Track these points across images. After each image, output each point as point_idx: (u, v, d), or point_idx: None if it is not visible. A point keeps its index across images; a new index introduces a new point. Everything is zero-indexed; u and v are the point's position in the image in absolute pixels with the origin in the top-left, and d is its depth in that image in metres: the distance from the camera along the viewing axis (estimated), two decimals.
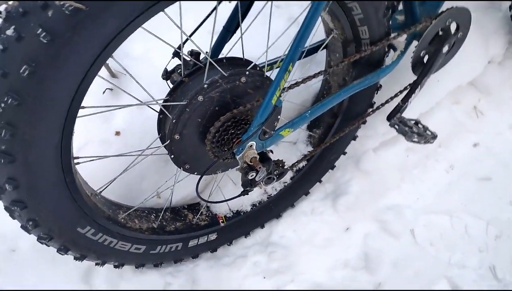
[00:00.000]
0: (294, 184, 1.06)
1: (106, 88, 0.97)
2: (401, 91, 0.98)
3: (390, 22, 0.92)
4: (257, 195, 1.05)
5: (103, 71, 1.01)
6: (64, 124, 0.59)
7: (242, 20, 0.81)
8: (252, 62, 0.78)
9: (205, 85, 0.71)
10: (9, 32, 0.50)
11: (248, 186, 0.79)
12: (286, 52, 0.68)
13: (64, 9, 0.48)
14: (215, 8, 0.75)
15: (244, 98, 0.76)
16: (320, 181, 1.11)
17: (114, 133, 0.97)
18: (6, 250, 0.94)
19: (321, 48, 0.91)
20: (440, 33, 0.91)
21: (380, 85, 0.98)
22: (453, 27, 0.92)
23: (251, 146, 0.76)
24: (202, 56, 0.79)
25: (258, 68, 0.78)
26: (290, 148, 1.08)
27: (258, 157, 0.76)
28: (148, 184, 0.96)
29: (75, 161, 0.69)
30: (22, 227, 0.70)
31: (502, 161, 1.20)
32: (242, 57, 0.78)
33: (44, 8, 0.48)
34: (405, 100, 0.94)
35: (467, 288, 1.01)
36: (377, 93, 0.99)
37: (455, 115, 1.25)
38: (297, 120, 0.81)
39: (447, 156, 1.21)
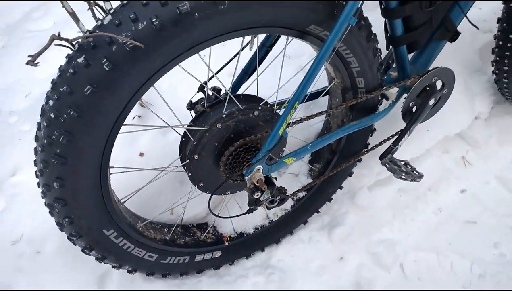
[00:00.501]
0: (294, 212, 1.17)
1: (136, 115, 1.11)
2: (393, 136, 1.11)
3: (385, 77, 1.07)
4: (260, 219, 1.15)
5: None
6: (108, 136, 0.72)
7: (259, 65, 0.96)
8: (264, 99, 0.92)
9: (224, 115, 0.85)
10: (80, 60, 0.64)
11: (253, 204, 0.91)
12: (294, 93, 0.83)
13: (126, 46, 0.63)
14: (238, 53, 0.90)
15: (255, 129, 0.89)
16: (318, 212, 1.21)
17: (139, 154, 1.10)
18: (32, 252, 1.05)
19: (323, 93, 1.06)
20: (427, 88, 1.05)
21: (375, 129, 1.11)
22: (439, 84, 1.07)
23: (259, 169, 0.88)
24: (222, 92, 0.94)
25: (269, 105, 0.92)
26: (293, 179, 1.19)
27: (264, 179, 0.88)
28: (164, 200, 1.08)
29: (110, 170, 0.82)
30: (57, 223, 0.81)
31: (487, 207, 1.29)
32: (256, 95, 0.92)
33: (110, 44, 0.63)
34: (396, 143, 1.06)
35: None
36: (371, 136, 1.12)
37: (445, 163, 1.37)
38: (299, 151, 0.93)
39: (436, 199, 1.32)
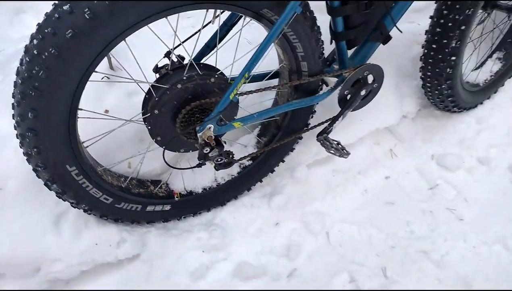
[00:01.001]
0: (239, 179, 1.32)
1: (105, 75, 1.22)
2: (330, 119, 1.29)
3: (329, 68, 1.25)
4: (208, 181, 1.29)
5: (104, 65, 1.26)
6: (81, 79, 0.84)
7: (220, 42, 1.10)
8: (220, 70, 1.06)
9: (184, 77, 0.98)
10: (65, 7, 0.76)
11: (202, 158, 1.05)
12: (245, 64, 0.98)
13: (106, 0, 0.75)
14: (202, 27, 1.04)
15: (211, 94, 1.03)
16: (261, 181, 1.37)
17: (104, 111, 1.21)
18: None
19: (271, 75, 1.22)
20: (360, 80, 1.24)
21: (315, 111, 1.29)
22: (371, 78, 1.26)
23: (210, 128, 1.02)
24: (186, 60, 1.07)
25: (224, 75, 1.07)
26: (241, 150, 1.34)
27: (213, 137, 1.03)
28: (123, 153, 1.19)
29: (79, 112, 0.93)
30: (26, 153, 0.91)
31: (406, 192, 1.50)
32: (215, 66, 1.07)
33: None
34: (331, 124, 1.24)
35: (363, 281, 1.27)
36: (312, 117, 1.29)
37: (375, 153, 1.57)
38: (247, 118, 1.09)
39: (363, 182, 1.51)
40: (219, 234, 1.30)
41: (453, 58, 1.32)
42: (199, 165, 1.09)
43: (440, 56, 1.34)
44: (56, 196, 1.01)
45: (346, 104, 1.25)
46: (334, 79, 1.24)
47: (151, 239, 1.25)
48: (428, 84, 1.46)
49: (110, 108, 1.22)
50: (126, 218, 1.17)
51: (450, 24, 1.26)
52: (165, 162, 1.05)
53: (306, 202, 1.41)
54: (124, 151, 1.20)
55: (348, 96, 1.25)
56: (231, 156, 1.13)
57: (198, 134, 1.02)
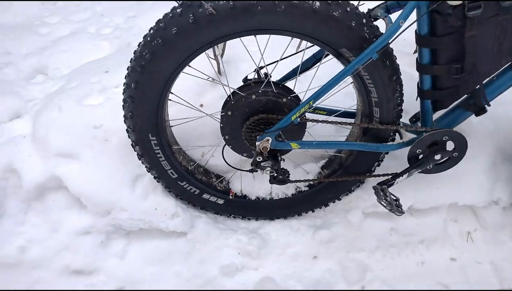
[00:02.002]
0: (293, 201, 1.38)
1: (209, 77, 1.43)
2: (395, 173, 1.26)
3: (412, 124, 1.24)
4: (263, 192, 1.39)
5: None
6: (177, 67, 1.04)
7: (306, 70, 1.21)
8: (295, 93, 1.16)
9: (260, 91, 1.11)
10: (178, 10, 0.97)
11: (254, 165, 1.15)
12: (313, 93, 1.06)
13: (206, 10, 0.93)
14: (283, 58, 1.16)
15: (280, 111, 1.13)
16: (313, 211, 1.40)
17: (199, 104, 1.42)
18: (102, 138, 1.42)
19: (343, 112, 1.26)
20: (437, 143, 1.18)
21: (382, 160, 1.28)
22: (451, 145, 1.19)
23: (268, 140, 1.12)
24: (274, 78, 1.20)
25: (298, 99, 1.16)
26: (303, 174, 1.40)
27: (268, 149, 1.12)
28: (200, 142, 1.37)
29: (170, 95, 1.14)
30: (124, 115, 1.15)
31: (469, 281, 1.34)
32: (292, 89, 1.17)
33: (199, 6, 0.94)
34: (393, 178, 1.21)
35: None
36: (378, 165, 1.28)
37: (448, 229, 1.44)
38: (305, 142, 1.16)
39: (423, 253, 1.40)
40: (258, 243, 1.37)
41: None
42: (251, 170, 1.19)
43: None
44: (137, 157, 1.24)
45: (414, 164, 1.21)
46: (411, 135, 1.21)
47: (200, 223, 1.40)
48: None
49: (205, 103, 1.42)
50: (184, 197, 1.35)
51: None
52: (224, 159, 1.19)
53: (352, 248, 1.38)
54: (202, 140, 1.38)
55: (420, 156, 1.21)
56: (286, 175, 1.21)
57: (257, 143, 1.13)
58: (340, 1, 0.96)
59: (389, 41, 0.99)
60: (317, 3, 0.93)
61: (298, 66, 1.21)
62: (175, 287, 1.32)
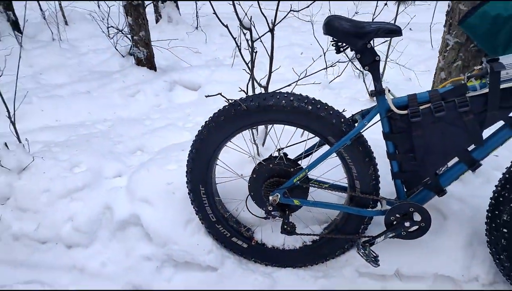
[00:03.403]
0: (299, 253, 1.75)
1: (250, 155, 1.98)
2: (378, 234, 1.60)
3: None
4: (278, 243, 1.79)
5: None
6: (222, 141, 1.61)
7: (311, 154, 1.70)
8: (302, 167, 1.64)
9: (276, 162, 1.62)
10: (226, 107, 1.58)
11: (266, 213, 1.61)
12: (307, 165, 1.54)
13: (242, 107, 1.52)
14: (292, 145, 1.68)
15: (288, 177, 1.61)
16: (316, 264, 1.75)
17: (240, 174, 1.95)
18: (171, 191, 1.99)
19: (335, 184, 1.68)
20: (406, 214, 1.54)
21: (367, 223, 1.64)
22: (418, 217, 1.53)
23: (277, 195, 1.58)
24: (290, 156, 1.71)
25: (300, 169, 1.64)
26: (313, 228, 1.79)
27: (277, 201, 1.58)
28: (238, 197, 1.87)
29: (217, 161, 1.70)
30: (186, 171, 1.72)
31: None
32: (299, 163, 1.66)
33: (239, 105, 1.54)
34: (373, 238, 1.57)
35: None
36: (363, 227, 1.64)
37: None
38: (304, 200, 1.59)
39: None
40: (270, 283, 1.74)
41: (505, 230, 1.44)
42: (265, 217, 1.64)
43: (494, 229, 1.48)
44: (191, 202, 1.77)
45: (390, 228, 1.56)
46: (387, 206, 1.59)
47: (228, 262, 1.82)
48: (493, 250, 1.54)
49: (244, 172, 1.95)
50: (218, 237, 1.81)
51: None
52: (247, 207, 1.66)
53: None
54: (239, 196, 1.87)
55: (394, 222, 1.56)
56: (293, 228, 1.63)
57: (270, 197, 1.60)
58: (326, 107, 1.49)
59: (357, 133, 1.47)
60: (310, 107, 1.47)
61: (309, 149, 1.71)
62: None
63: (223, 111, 1.57)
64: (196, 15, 5.36)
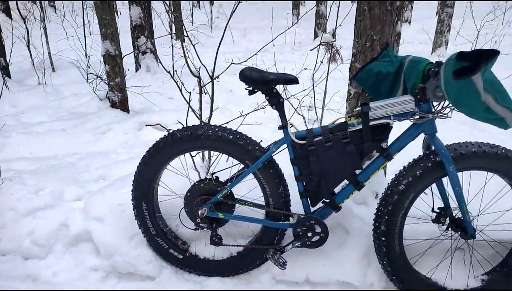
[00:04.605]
0: (226, 263, 2.01)
1: (186, 176, 2.28)
2: (285, 245, 1.88)
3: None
4: (208, 254, 2.04)
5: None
6: (162, 164, 1.92)
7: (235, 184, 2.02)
8: (226, 186, 1.94)
9: (206, 182, 1.92)
10: (165, 136, 1.90)
11: (195, 224, 1.88)
12: (230, 184, 1.85)
13: (177, 135, 1.85)
14: (225, 168, 2.01)
15: (214, 195, 1.91)
16: (240, 273, 2.00)
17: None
18: (121, 210, 2.25)
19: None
20: (309, 226, 1.83)
21: (281, 235, 1.92)
22: (319, 229, 1.83)
23: (205, 209, 1.87)
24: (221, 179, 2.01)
25: (228, 189, 1.94)
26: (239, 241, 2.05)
27: (205, 214, 1.86)
28: (175, 214, 2.13)
29: (159, 182, 1.99)
30: (131, 190, 2.00)
31: None
32: (227, 183, 1.96)
33: (175, 134, 1.87)
34: (283, 247, 1.85)
35: None
36: (279, 239, 1.92)
37: None
38: (227, 214, 1.88)
39: None
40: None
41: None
42: (195, 229, 1.91)
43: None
44: (135, 218, 2.03)
45: (295, 238, 1.85)
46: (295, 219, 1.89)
47: (165, 272, 2.05)
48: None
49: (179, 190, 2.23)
50: (157, 249, 2.05)
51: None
52: (180, 220, 1.94)
53: None
54: (177, 213, 2.13)
55: (300, 233, 1.86)
56: (220, 239, 1.90)
57: (199, 211, 1.88)
58: (244, 137, 1.83)
59: (268, 158, 1.80)
60: (231, 136, 1.81)
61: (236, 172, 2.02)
62: None
63: (162, 139, 1.89)
64: (172, 66, 5.83)
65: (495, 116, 1.42)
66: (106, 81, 4.21)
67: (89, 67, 4.58)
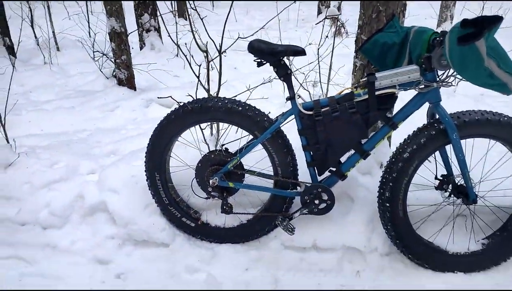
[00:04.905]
0: (236, 230, 2.08)
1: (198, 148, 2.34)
2: (295, 211, 1.95)
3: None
4: (219, 222, 2.12)
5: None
6: (173, 136, 1.97)
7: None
8: (237, 156, 2.00)
9: (216, 153, 1.98)
10: (175, 108, 1.95)
11: (207, 193, 1.96)
12: (240, 153, 1.91)
13: (188, 107, 1.90)
14: (226, 143, 2.06)
15: (225, 165, 1.97)
16: (251, 239, 2.09)
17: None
18: (135, 182, 2.32)
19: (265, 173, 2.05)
20: (316, 194, 1.90)
21: (289, 203, 1.99)
22: (326, 196, 1.90)
23: (215, 179, 1.94)
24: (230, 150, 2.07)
25: (238, 159, 2.00)
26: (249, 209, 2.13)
27: (216, 184, 1.93)
28: (186, 185, 2.21)
29: (171, 153, 2.05)
30: (144, 162, 2.07)
31: None
32: (237, 153, 2.02)
33: (185, 106, 1.92)
34: (291, 214, 1.92)
35: None
36: (287, 207, 2.00)
37: (343, 265, 2.00)
38: (237, 183, 1.95)
39: (321, 278, 1.96)
40: (211, 254, 2.06)
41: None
42: (206, 198, 1.99)
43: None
44: (148, 188, 2.10)
45: (303, 206, 1.92)
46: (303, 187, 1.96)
47: (178, 239, 2.14)
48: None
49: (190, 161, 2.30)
50: (170, 218, 2.13)
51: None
52: (192, 189, 2.01)
53: (271, 267, 2.00)
54: (189, 183, 2.20)
55: (308, 201, 1.93)
56: (230, 208, 1.98)
57: (210, 180, 1.95)
58: (253, 108, 1.88)
59: (277, 128, 1.85)
60: (240, 108, 1.86)
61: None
62: (152, 274, 2.02)
63: (174, 111, 1.94)
64: (177, 43, 5.82)
65: (497, 81, 1.46)
66: (112, 59, 4.23)
67: (94, 45, 4.59)
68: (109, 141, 3.09)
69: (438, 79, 1.70)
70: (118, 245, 2.17)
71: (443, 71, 1.69)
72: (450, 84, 1.68)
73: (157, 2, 5.52)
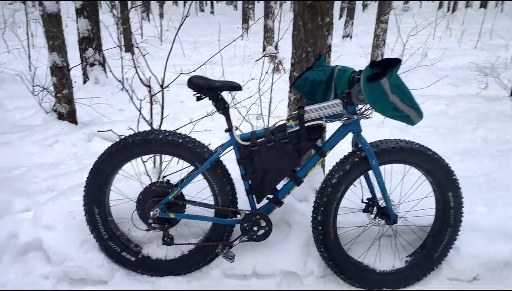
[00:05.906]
0: (177, 262, 2.09)
1: (139, 180, 2.35)
2: (235, 239, 2.01)
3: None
4: (161, 255, 2.11)
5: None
6: (113, 169, 1.98)
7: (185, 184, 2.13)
8: (178, 188, 2.05)
9: (157, 185, 2.02)
10: (117, 141, 1.98)
11: (148, 225, 1.96)
12: (180, 184, 1.96)
13: (129, 140, 1.94)
14: (167, 175, 2.12)
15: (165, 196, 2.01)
16: (193, 270, 2.10)
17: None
18: (72, 217, 2.26)
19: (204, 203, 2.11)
20: (254, 221, 1.98)
21: (229, 231, 2.05)
22: (264, 223, 1.99)
23: (157, 210, 1.96)
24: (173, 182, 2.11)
25: (179, 191, 2.04)
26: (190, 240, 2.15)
27: (157, 215, 1.95)
28: (126, 219, 2.19)
29: (107, 189, 2.05)
30: (83, 196, 2.04)
31: None
32: (177, 184, 2.06)
33: (126, 139, 1.95)
34: (231, 242, 1.98)
35: None
36: (227, 235, 2.05)
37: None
38: (180, 214, 1.98)
39: None
40: (151, 289, 2.04)
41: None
42: (147, 230, 1.99)
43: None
44: (86, 223, 2.06)
45: (243, 233, 1.99)
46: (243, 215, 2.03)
47: (117, 275, 2.09)
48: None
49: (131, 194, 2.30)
50: (110, 253, 2.09)
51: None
52: (132, 221, 2.00)
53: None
54: (129, 216, 2.20)
55: (247, 228, 2.00)
56: (172, 239, 1.99)
57: (151, 212, 1.97)
58: (192, 140, 1.96)
59: (216, 159, 1.94)
60: (180, 140, 1.93)
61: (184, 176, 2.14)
62: None
63: (114, 144, 1.97)
64: (122, 77, 5.82)
65: (402, 113, 1.68)
66: (53, 93, 4.13)
67: (34, 80, 4.46)
68: (46, 177, 2.98)
69: (358, 112, 1.90)
70: (52, 284, 2.08)
71: (362, 105, 1.89)
72: (367, 116, 1.88)
73: (105, 37, 5.52)
